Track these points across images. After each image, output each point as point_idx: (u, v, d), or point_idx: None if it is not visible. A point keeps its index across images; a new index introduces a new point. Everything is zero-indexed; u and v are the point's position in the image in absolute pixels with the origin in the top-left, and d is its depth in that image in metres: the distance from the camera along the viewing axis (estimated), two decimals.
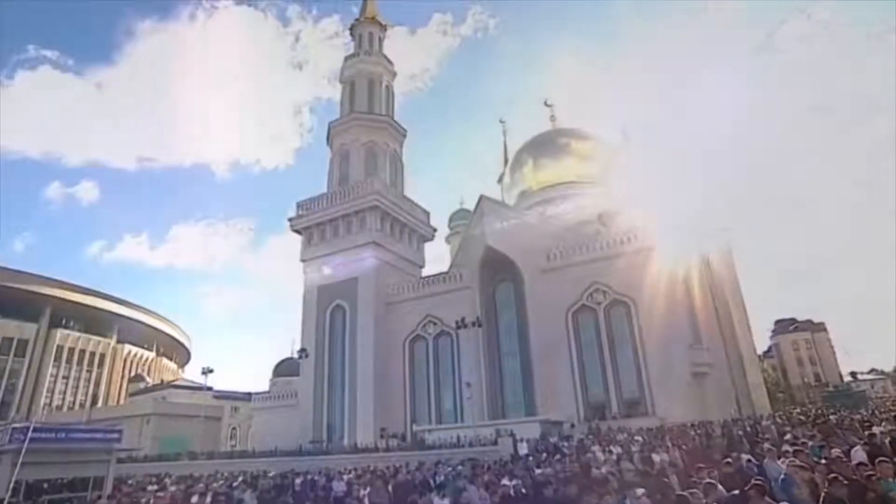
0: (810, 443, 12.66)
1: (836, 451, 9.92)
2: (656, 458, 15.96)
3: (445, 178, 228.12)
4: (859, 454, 10.42)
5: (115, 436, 17.70)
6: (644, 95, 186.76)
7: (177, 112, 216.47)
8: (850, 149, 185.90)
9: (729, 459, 10.46)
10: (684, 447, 19.00)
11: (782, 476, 8.00)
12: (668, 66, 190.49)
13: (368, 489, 14.28)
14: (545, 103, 68.20)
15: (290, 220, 54.17)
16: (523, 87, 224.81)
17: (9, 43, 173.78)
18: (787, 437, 16.89)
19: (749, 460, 11.10)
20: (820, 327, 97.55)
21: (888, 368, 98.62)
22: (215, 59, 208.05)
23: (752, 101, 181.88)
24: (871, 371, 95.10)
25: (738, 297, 41.44)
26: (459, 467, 16.77)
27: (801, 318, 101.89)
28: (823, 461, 9.27)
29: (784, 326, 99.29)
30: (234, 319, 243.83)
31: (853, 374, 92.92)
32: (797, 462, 8.07)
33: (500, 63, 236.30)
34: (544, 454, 24.89)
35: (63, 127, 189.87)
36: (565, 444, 28.27)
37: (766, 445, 14.36)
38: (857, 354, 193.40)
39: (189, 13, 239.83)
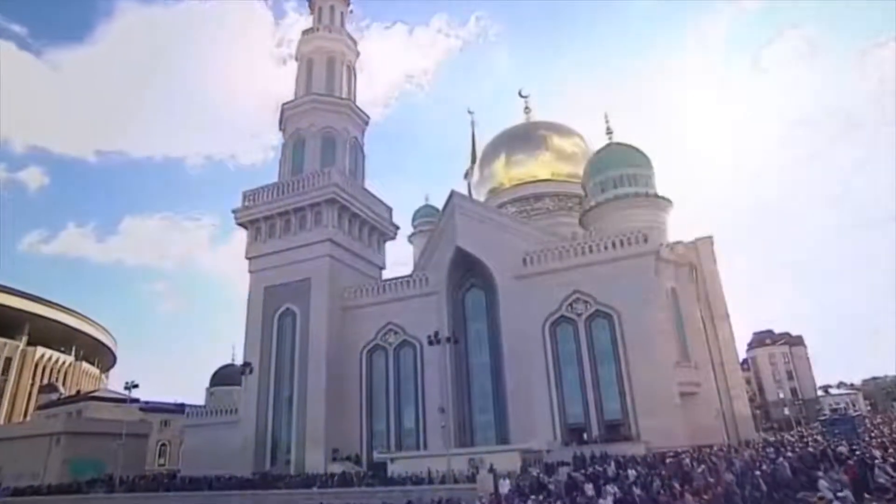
0: None
1: None
2: None
3: (416, 178, 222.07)
4: None
5: None
6: (638, 105, 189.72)
7: (150, 102, 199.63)
8: (831, 163, 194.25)
9: None
10: (706, 496, 16.19)
11: None
12: (663, 78, 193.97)
13: None
14: (520, 94, 63.87)
15: (234, 211, 48.10)
16: (514, 92, 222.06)
17: None
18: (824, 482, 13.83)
19: None
20: (798, 340, 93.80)
21: (847, 379, 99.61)
22: (196, 48, 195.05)
23: (741, 113, 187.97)
24: (840, 385, 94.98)
25: (724, 310, 39.08)
26: None
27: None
28: None
29: (761, 339, 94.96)
30: (175, 321, 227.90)
31: (825, 388, 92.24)
32: None
33: (494, 66, 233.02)
34: (532, 497, 21.26)
35: (10, 109, 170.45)
36: (550, 479, 24.91)
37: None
38: (823, 365, 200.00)
39: None
